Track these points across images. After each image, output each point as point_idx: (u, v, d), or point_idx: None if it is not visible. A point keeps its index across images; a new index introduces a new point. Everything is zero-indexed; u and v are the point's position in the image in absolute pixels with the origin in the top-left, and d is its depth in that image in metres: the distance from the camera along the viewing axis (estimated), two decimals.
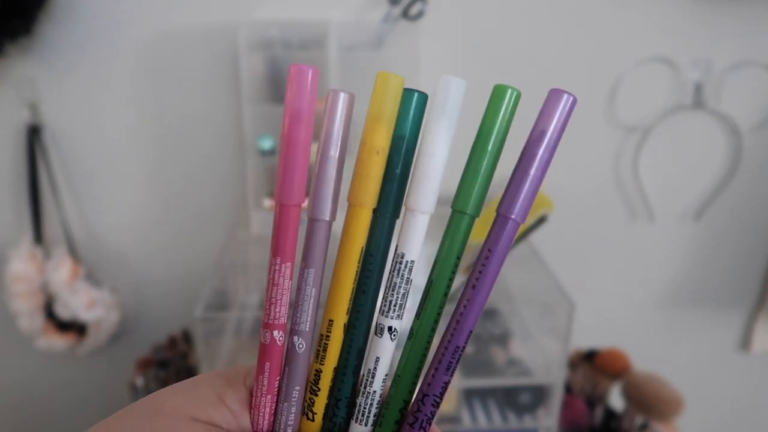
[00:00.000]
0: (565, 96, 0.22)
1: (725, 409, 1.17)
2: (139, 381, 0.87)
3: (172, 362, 0.90)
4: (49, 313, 0.90)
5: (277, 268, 0.23)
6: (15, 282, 0.88)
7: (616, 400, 0.91)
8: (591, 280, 1.01)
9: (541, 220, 0.77)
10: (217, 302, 0.76)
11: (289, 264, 0.23)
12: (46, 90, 0.85)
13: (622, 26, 0.86)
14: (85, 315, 0.90)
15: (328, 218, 0.23)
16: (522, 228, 0.77)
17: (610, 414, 0.90)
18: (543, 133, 0.22)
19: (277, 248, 0.23)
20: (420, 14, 0.79)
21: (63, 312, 0.89)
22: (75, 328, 0.92)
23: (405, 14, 0.79)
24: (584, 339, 0.93)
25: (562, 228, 0.91)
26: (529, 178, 0.22)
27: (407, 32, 0.81)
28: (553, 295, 0.77)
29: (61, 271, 0.88)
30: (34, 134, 0.86)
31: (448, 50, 0.86)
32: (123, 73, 0.85)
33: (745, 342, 1.11)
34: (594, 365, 0.92)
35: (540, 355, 0.82)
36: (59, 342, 0.92)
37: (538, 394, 0.81)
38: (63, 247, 0.91)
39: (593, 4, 0.85)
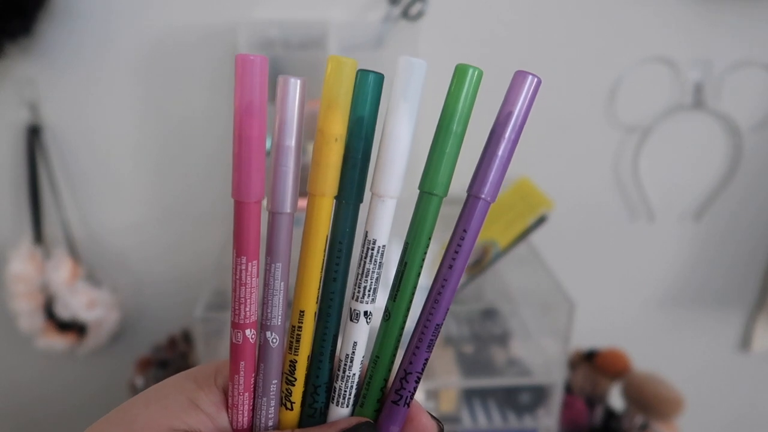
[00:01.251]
0: (530, 77, 0.22)
1: (725, 409, 1.17)
2: (139, 381, 0.87)
3: (172, 362, 0.90)
4: (49, 313, 0.90)
5: (243, 267, 0.23)
6: (15, 282, 0.88)
7: (616, 400, 0.91)
8: (591, 280, 1.01)
9: (541, 220, 0.77)
10: (217, 302, 0.76)
11: (255, 262, 0.23)
12: (46, 90, 0.85)
13: (622, 26, 0.86)
14: (85, 315, 0.90)
15: (289, 210, 0.23)
16: (522, 228, 0.77)
17: (610, 414, 0.90)
18: (510, 114, 0.23)
19: (240, 248, 0.23)
20: (420, 14, 0.79)
21: (63, 312, 0.89)
22: (75, 328, 0.92)
23: (405, 14, 0.79)
24: (584, 339, 0.93)
25: (562, 228, 0.91)
26: (498, 158, 0.23)
27: (407, 32, 0.81)
28: (553, 295, 0.77)
29: (61, 271, 0.88)
30: (34, 134, 0.86)
31: (448, 50, 0.86)
32: (123, 74, 0.85)
33: (745, 342, 1.11)
34: (594, 365, 0.92)
35: (540, 355, 0.82)
36: (59, 342, 0.92)
37: (538, 394, 0.81)
38: (63, 247, 0.91)
39: (593, 4, 0.85)
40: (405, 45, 0.81)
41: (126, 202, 0.93)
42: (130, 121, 0.88)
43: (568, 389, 0.90)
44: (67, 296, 0.88)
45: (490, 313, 0.87)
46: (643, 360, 0.92)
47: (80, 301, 0.89)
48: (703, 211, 0.98)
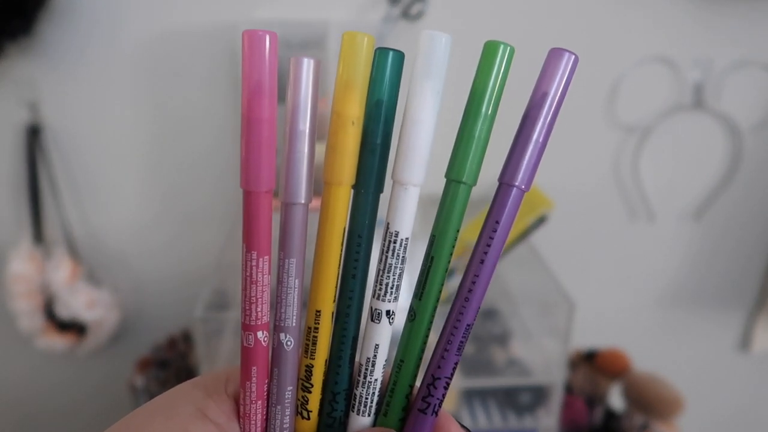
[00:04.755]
0: (566, 55, 0.20)
1: (725, 409, 1.17)
2: (139, 381, 0.87)
3: (172, 362, 0.90)
4: (49, 313, 0.90)
5: (254, 263, 0.21)
6: (15, 282, 0.88)
7: (616, 400, 0.91)
8: (591, 280, 1.01)
9: (541, 220, 0.77)
10: (217, 302, 0.76)
11: (266, 258, 0.21)
12: (46, 90, 0.85)
13: (622, 26, 0.86)
14: (85, 315, 0.90)
15: (303, 201, 0.21)
16: (522, 228, 0.77)
17: (610, 414, 0.90)
18: (545, 95, 0.21)
19: (251, 242, 0.20)
20: (420, 14, 0.79)
21: (63, 312, 0.89)
22: (75, 328, 0.92)
23: (405, 14, 0.79)
24: (584, 339, 0.93)
25: (562, 228, 0.91)
26: (532, 143, 0.21)
27: (407, 32, 0.81)
28: (553, 295, 0.77)
29: (61, 271, 0.88)
30: (34, 134, 0.86)
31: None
32: (123, 73, 0.85)
33: (745, 342, 1.11)
34: (594, 365, 0.92)
35: (540, 355, 0.82)
36: (59, 342, 0.92)
37: (538, 394, 0.81)
38: (63, 247, 0.91)
39: (593, 4, 0.85)
40: (405, 45, 0.81)
41: (126, 202, 0.93)
42: (130, 121, 0.88)
43: (568, 389, 0.90)
44: (67, 296, 0.88)
45: (490, 313, 0.87)
46: (643, 360, 0.92)
47: (80, 301, 0.89)
48: (703, 211, 0.98)
